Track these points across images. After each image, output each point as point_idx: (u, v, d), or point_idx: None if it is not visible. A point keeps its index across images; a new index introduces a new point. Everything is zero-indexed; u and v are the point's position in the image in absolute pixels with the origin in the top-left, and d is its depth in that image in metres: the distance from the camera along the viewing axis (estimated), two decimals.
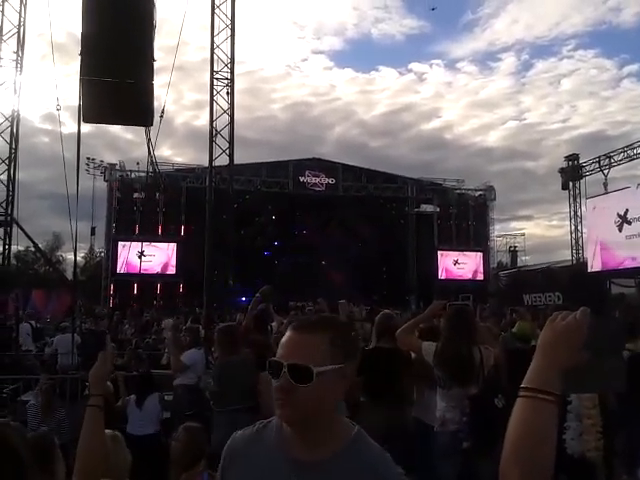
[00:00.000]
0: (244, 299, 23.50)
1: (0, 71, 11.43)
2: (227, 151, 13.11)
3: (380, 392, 4.81)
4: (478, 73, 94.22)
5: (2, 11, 11.41)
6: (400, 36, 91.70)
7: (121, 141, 73.37)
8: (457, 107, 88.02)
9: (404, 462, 4.59)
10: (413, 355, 4.78)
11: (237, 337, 5.86)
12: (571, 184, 32.09)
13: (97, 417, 2.00)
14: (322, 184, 34.66)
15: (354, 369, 1.50)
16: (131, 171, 32.78)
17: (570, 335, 1.19)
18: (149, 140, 10.86)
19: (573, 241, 32.75)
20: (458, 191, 38.32)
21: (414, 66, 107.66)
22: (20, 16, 11.51)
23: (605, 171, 29.10)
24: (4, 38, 11.45)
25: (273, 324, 7.57)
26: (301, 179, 34.29)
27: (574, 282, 26.77)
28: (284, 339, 1.48)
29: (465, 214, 37.74)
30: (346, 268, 34.83)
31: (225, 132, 13.17)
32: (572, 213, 32.49)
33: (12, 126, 11.43)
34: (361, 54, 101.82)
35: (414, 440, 4.54)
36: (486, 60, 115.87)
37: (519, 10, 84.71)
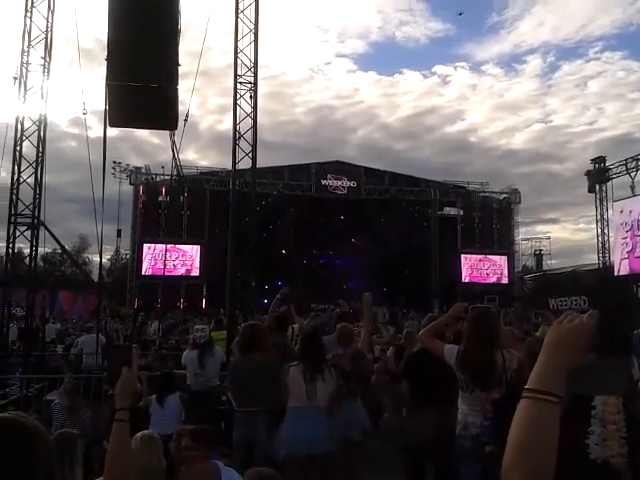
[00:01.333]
0: (266, 301, 23.60)
1: (28, 76, 11.63)
2: (250, 154, 13.17)
3: (427, 394, 4.80)
4: (503, 75, 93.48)
5: (30, 17, 11.60)
6: (424, 39, 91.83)
7: (147, 145, 74.26)
8: (482, 110, 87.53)
9: (447, 465, 4.54)
10: None
11: (255, 337, 5.75)
12: (597, 187, 31.63)
13: (124, 431, 2.04)
14: (344, 187, 34.65)
15: None
16: (156, 174, 33.15)
17: (575, 337, 1.19)
18: (173, 144, 10.99)
19: (599, 244, 32.27)
20: (482, 194, 38.04)
21: (438, 69, 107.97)
22: (48, 22, 11.70)
23: (632, 174, 28.64)
24: (32, 44, 11.65)
25: (295, 326, 7.59)
26: (323, 182, 34.31)
27: (600, 286, 26.37)
28: None
29: (489, 217, 37.44)
30: (368, 271, 34.74)
31: (248, 136, 13.23)
32: (599, 216, 32.02)
33: (39, 130, 11.62)
34: (385, 57, 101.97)
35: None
36: (511, 62, 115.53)
37: (545, 12, 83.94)
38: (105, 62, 8.59)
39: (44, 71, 11.68)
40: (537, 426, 1.15)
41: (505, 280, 36.75)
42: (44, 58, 11.69)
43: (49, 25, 11.73)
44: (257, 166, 13.55)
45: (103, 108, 9.17)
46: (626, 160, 29.16)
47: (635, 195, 27.50)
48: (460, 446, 4.17)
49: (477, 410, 4.11)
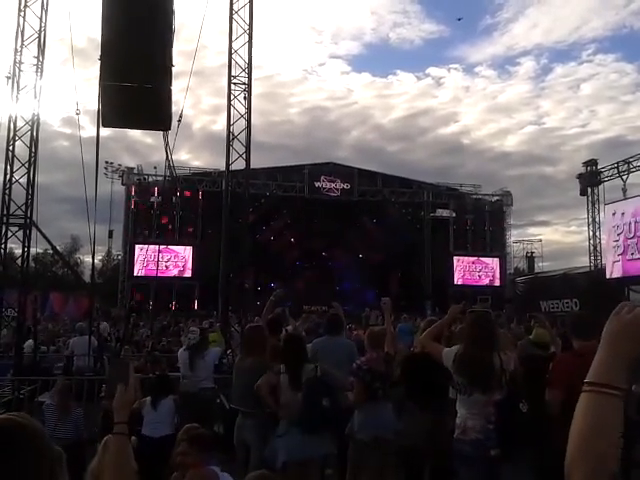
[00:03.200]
0: (259, 303, 23.61)
1: (21, 76, 11.55)
2: (244, 155, 13.16)
3: (424, 397, 4.79)
4: (496, 77, 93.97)
5: (24, 16, 11.53)
6: (418, 40, 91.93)
7: (140, 145, 74.03)
8: (475, 112, 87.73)
9: (446, 467, 4.54)
10: None
11: (249, 340, 5.92)
12: (589, 190, 31.82)
13: (124, 444, 2.01)
14: (337, 189, 34.61)
15: None
16: (149, 175, 33.02)
17: (635, 327, 1.16)
18: (167, 144, 10.95)
19: (591, 247, 32.46)
20: (475, 196, 38.13)
21: (432, 70, 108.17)
22: (41, 21, 11.62)
23: (624, 177, 28.84)
24: (25, 43, 11.58)
25: (289, 327, 7.59)
26: (316, 184, 34.24)
27: (591, 289, 26.51)
28: None
29: (482, 219, 37.52)
30: (361, 273, 34.79)
31: (242, 136, 13.23)
32: (590, 219, 32.24)
33: (32, 130, 11.54)
34: (379, 58, 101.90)
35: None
36: (505, 64, 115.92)
37: (538, 14, 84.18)
38: (98, 62, 8.55)
39: (37, 70, 11.61)
40: (600, 421, 1.11)
41: (497, 282, 36.83)
42: (37, 57, 11.62)
43: (42, 24, 11.66)
44: (250, 167, 13.55)
45: (96, 108, 9.13)
46: (618, 163, 29.35)
47: (627, 198, 27.66)
48: (459, 450, 4.14)
49: (476, 414, 4.08)
